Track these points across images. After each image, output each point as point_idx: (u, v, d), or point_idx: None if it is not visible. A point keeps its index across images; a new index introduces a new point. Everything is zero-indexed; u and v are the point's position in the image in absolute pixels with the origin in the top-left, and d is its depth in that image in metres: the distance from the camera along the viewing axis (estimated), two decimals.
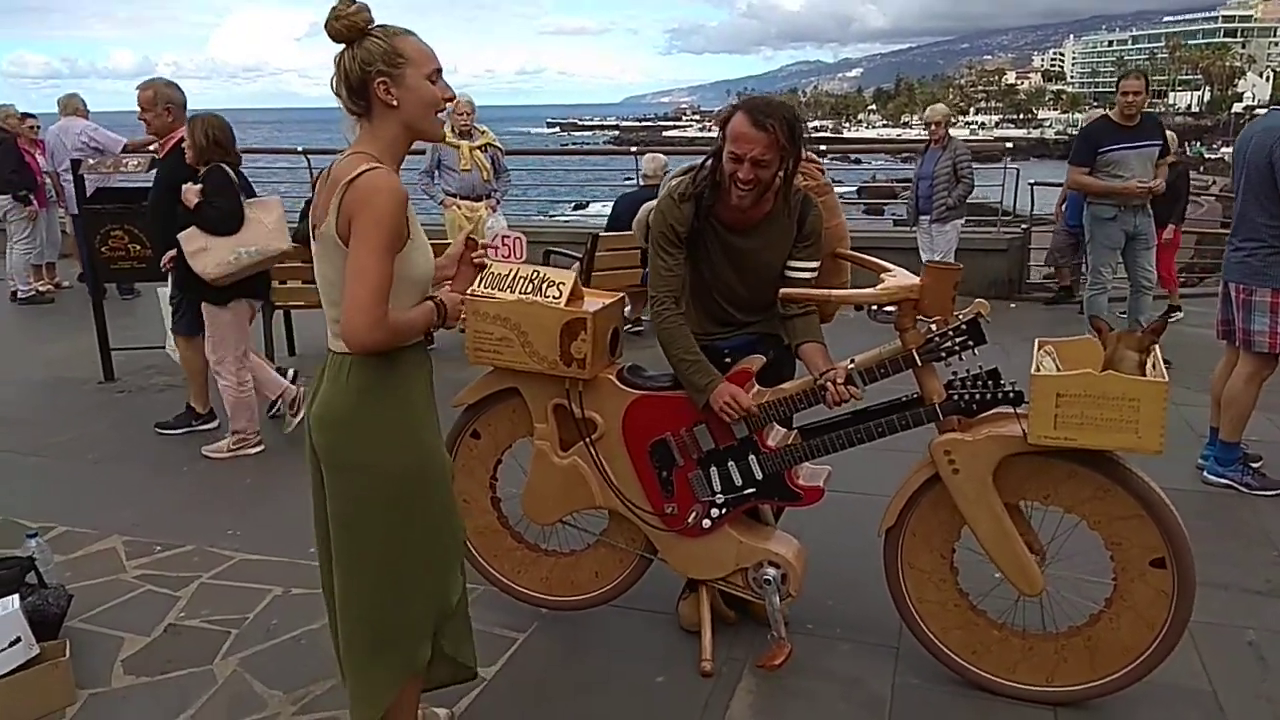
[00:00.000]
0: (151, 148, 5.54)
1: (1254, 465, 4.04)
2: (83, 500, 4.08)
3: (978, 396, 2.43)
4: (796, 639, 2.80)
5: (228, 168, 4.26)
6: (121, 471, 4.44)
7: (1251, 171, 3.83)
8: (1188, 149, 51.01)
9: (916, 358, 2.45)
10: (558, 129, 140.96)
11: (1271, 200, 3.75)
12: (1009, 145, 10.14)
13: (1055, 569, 2.62)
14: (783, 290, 2.63)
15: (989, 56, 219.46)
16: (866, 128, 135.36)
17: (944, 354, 2.44)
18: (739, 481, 2.68)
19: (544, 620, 3.07)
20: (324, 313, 2.01)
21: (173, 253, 4.32)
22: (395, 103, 1.89)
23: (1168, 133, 5.95)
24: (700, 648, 2.80)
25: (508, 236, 4.84)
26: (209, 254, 4.19)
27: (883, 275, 2.58)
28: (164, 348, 5.18)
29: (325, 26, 1.87)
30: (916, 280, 2.48)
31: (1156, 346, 2.49)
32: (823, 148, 10.22)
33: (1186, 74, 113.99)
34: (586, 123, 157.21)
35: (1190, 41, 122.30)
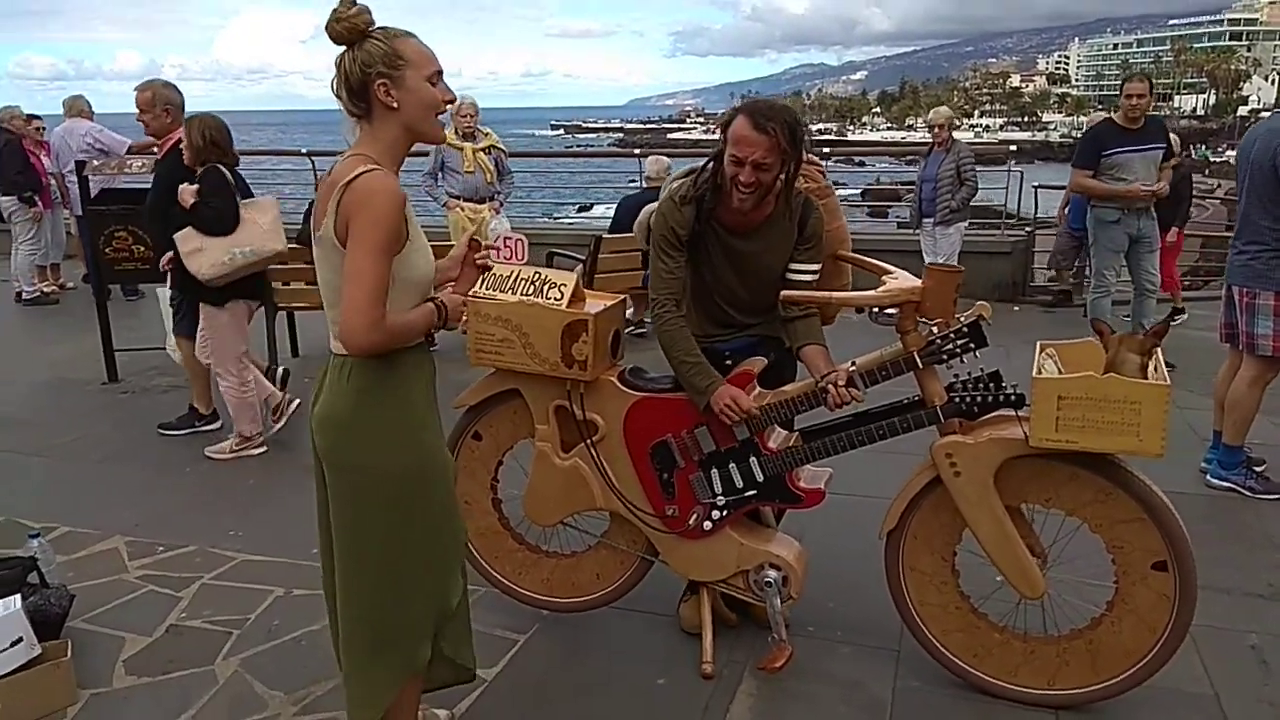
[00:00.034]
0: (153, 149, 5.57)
1: (1257, 469, 4.03)
2: (85, 501, 4.09)
3: (979, 399, 2.43)
4: (797, 641, 2.80)
5: (224, 168, 4.27)
6: (124, 472, 4.45)
7: (1255, 174, 3.82)
8: (1192, 152, 50.91)
9: (918, 360, 2.45)
10: (562, 131, 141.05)
11: (1275, 203, 3.74)
12: (1013, 148, 10.15)
13: (1057, 572, 2.62)
14: (784, 292, 2.63)
15: (993, 59, 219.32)
16: (871, 130, 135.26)
17: (945, 356, 2.44)
18: (740, 483, 2.68)
19: (545, 622, 3.07)
20: (325, 314, 2.01)
21: (171, 253, 4.33)
22: (395, 105, 1.90)
23: (1171, 135, 5.94)
24: (701, 650, 2.80)
25: (509, 238, 4.85)
26: (204, 254, 4.20)
27: (884, 277, 2.58)
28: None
29: (325, 28, 1.88)
30: (918, 283, 2.47)
31: (1159, 349, 2.49)
32: (826, 150, 10.25)
33: (1192, 77, 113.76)
34: (591, 125, 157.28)
35: (1196, 45, 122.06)
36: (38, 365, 6.23)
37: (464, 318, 2.16)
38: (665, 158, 7.25)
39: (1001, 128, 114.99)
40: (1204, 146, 64.52)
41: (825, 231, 2.71)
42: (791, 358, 2.73)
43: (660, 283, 2.66)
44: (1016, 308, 7.82)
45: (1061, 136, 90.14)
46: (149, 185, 4.66)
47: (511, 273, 2.71)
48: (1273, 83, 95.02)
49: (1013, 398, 2.41)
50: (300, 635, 3.01)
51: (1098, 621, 2.53)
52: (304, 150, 10.69)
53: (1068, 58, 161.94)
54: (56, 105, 8.26)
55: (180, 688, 2.75)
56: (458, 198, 6.70)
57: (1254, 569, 3.36)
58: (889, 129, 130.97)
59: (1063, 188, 7.76)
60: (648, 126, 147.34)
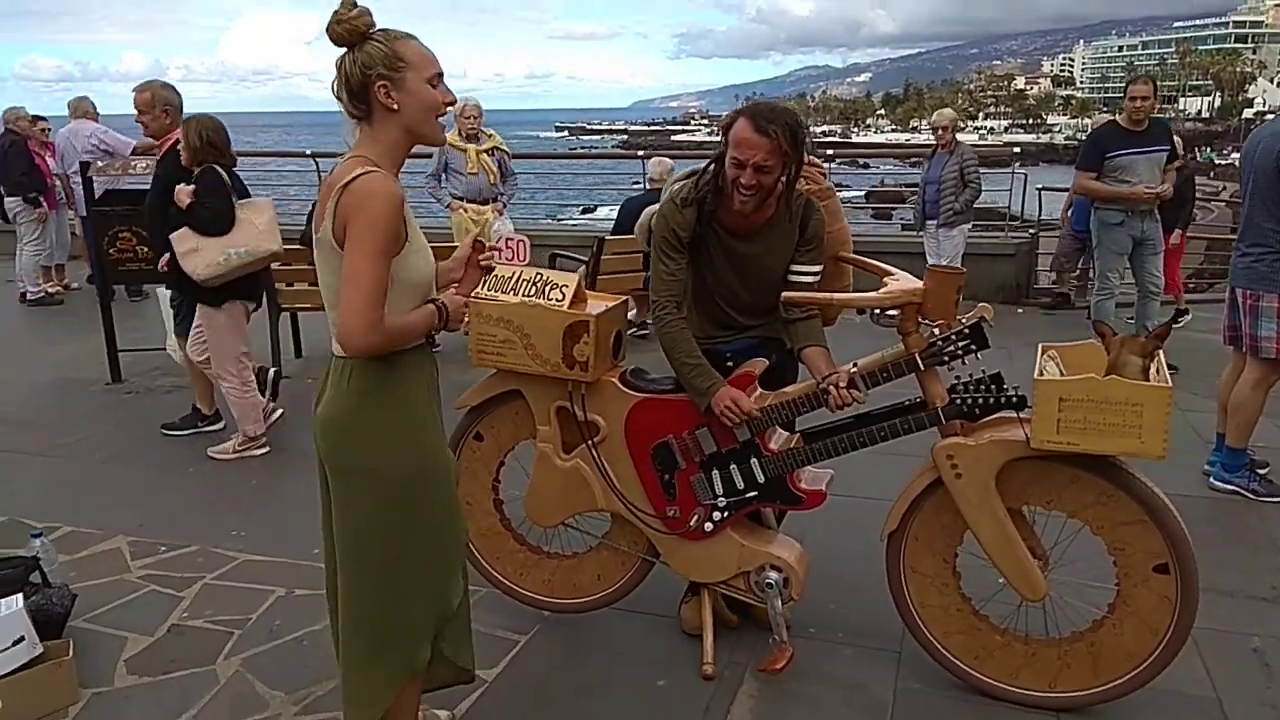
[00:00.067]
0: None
1: (1260, 471, 4.02)
2: (88, 500, 4.10)
3: (980, 401, 2.43)
4: (798, 643, 2.80)
5: (221, 169, 4.28)
6: (127, 472, 4.45)
7: (1259, 176, 3.81)
8: (1197, 154, 50.84)
9: (919, 362, 2.45)
10: (566, 133, 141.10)
11: (1278, 205, 3.74)
12: (1017, 150, 10.13)
13: (1058, 574, 2.62)
14: (785, 294, 2.63)
15: (998, 62, 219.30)
16: (875, 132, 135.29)
17: (947, 358, 2.44)
18: (741, 485, 2.68)
19: (546, 623, 3.07)
20: (326, 316, 2.01)
21: (168, 255, 4.34)
22: (395, 106, 1.90)
23: (1174, 138, 5.93)
24: (702, 651, 2.80)
25: (511, 239, 4.86)
26: (199, 255, 4.21)
27: (886, 279, 2.58)
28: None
29: (326, 30, 1.88)
30: (919, 284, 2.47)
31: (1161, 351, 2.48)
32: (830, 152, 10.25)
33: (1197, 79, 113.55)
34: (595, 127, 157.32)
35: (1201, 47, 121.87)
36: (42, 365, 6.25)
37: (465, 319, 2.16)
38: (669, 159, 7.26)
39: (1006, 130, 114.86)
40: (1209, 149, 64.38)
41: (826, 233, 2.71)
42: (793, 359, 2.73)
43: (661, 284, 2.66)
44: (1019, 310, 7.81)
45: (1066, 139, 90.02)
46: None
47: (513, 274, 2.71)
48: (1278, 85, 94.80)
49: (1014, 399, 2.41)
50: (302, 635, 3.01)
51: (1099, 624, 2.52)
52: (309, 152, 10.71)
53: (1072, 60, 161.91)
54: (62, 107, 8.28)
55: (181, 687, 2.76)
56: (461, 199, 6.71)
57: (1257, 572, 3.35)
58: (893, 131, 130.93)
59: (1067, 190, 7.75)
60: (652, 128, 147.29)
